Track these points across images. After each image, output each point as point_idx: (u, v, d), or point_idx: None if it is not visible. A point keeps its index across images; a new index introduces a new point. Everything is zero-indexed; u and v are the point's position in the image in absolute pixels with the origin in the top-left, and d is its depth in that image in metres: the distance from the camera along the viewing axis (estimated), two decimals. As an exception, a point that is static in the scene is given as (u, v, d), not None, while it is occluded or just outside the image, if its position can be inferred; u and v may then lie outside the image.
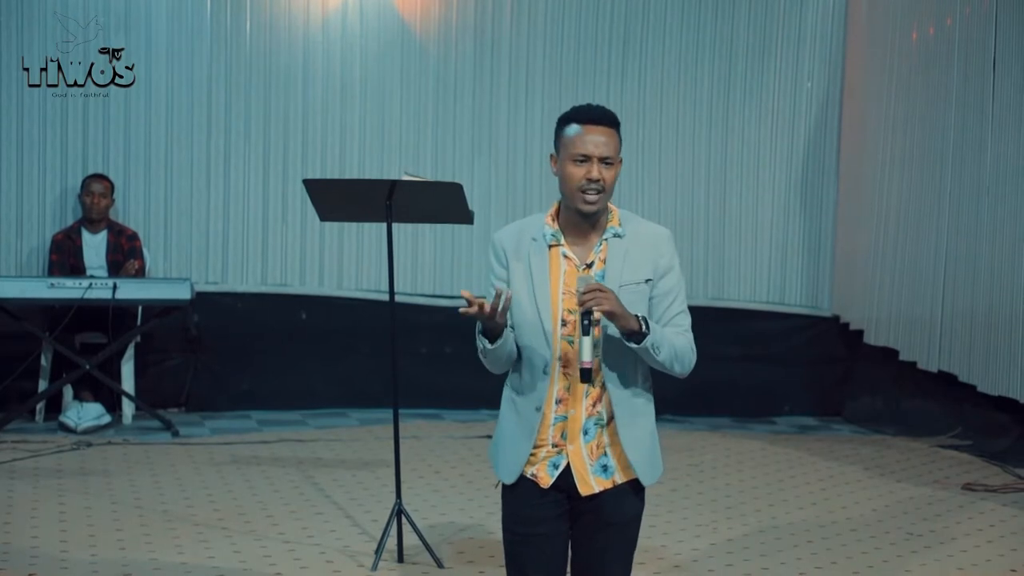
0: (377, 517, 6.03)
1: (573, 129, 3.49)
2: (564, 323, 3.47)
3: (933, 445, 7.99)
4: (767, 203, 9.08)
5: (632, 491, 3.55)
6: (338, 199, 5.83)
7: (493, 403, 9.55)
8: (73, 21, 8.36)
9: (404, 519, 5.47)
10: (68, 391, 7.98)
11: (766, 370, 9.04)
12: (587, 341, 3.39)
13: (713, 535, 5.98)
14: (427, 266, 8.78)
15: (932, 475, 7.26)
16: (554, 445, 3.51)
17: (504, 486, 3.58)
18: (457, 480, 6.80)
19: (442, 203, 5.70)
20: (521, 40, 8.80)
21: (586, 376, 3.40)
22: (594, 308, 3.35)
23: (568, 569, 3.62)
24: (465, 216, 5.74)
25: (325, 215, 5.85)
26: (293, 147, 8.64)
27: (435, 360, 8.69)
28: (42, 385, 8.02)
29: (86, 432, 7.72)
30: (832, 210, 9.11)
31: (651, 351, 3.44)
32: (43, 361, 8.01)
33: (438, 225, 8.30)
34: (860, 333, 8.84)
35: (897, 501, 6.66)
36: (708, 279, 9.07)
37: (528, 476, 3.52)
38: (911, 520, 6.30)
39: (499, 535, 3.67)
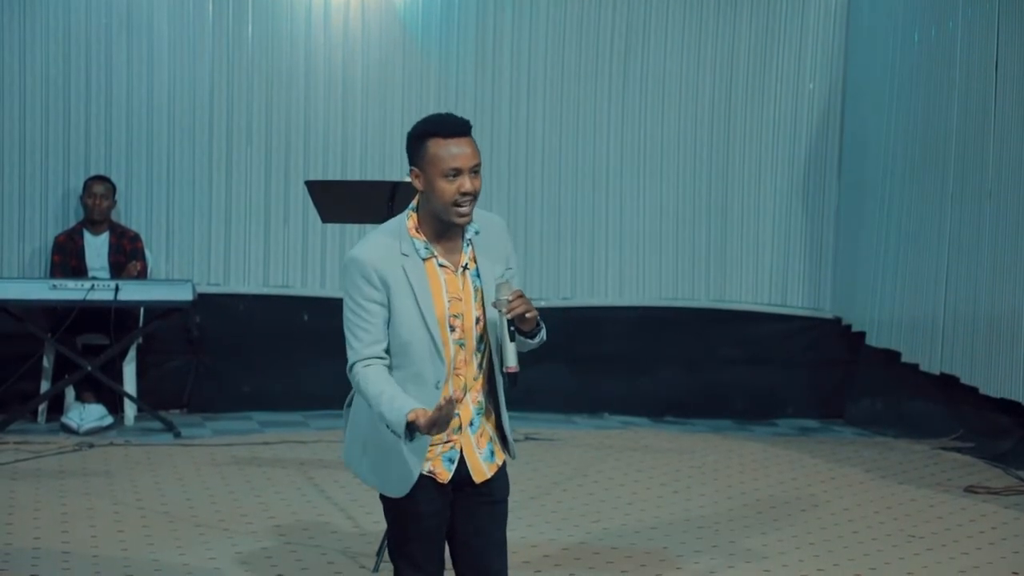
0: (378, 518, 6.01)
1: (437, 144, 3.48)
2: (452, 328, 3.53)
3: (935, 447, 7.99)
4: (768, 205, 9.08)
5: (503, 470, 3.68)
6: (340, 200, 5.83)
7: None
8: (75, 22, 8.37)
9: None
10: (70, 392, 7.98)
11: (767, 372, 9.03)
12: (513, 347, 3.47)
13: (715, 537, 5.97)
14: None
15: (934, 477, 7.26)
16: (447, 440, 3.57)
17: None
18: (459, 482, 6.80)
19: (444, 204, 5.69)
20: (522, 41, 8.81)
21: (514, 381, 3.48)
22: (527, 314, 3.43)
23: (461, 553, 3.66)
24: (467, 217, 5.73)
25: (327, 217, 5.86)
26: (295, 148, 8.65)
27: (436, 361, 8.68)
28: (44, 386, 8.02)
29: (88, 433, 7.73)
30: (834, 212, 9.11)
31: (540, 340, 3.57)
32: (45, 362, 8.01)
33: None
34: (862, 335, 8.84)
35: (899, 503, 6.66)
36: (709, 281, 9.06)
37: (424, 473, 3.55)
38: (913, 522, 6.30)
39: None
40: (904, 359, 8.37)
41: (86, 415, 7.81)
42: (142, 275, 8.11)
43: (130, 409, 8.11)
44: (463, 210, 3.50)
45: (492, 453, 3.64)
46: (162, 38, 8.47)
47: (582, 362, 8.71)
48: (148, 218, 8.52)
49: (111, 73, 8.42)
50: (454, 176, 3.48)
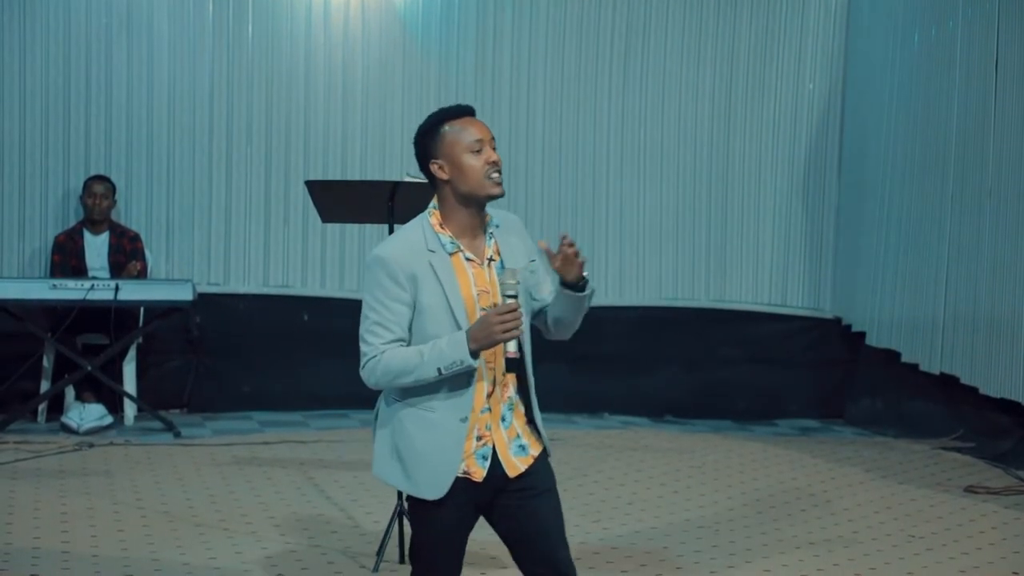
0: (379, 518, 6.03)
1: (452, 126, 3.57)
2: None
3: (935, 447, 7.98)
4: (769, 204, 9.08)
5: (545, 460, 3.64)
6: (340, 200, 5.83)
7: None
8: (75, 22, 8.37)
9: (406, 520, 5.46)
10: (70, 392, 7.98)
11: (768, 372, 9.03)
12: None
13: (715, 537, 5.97)
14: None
15: (934, 477, 7.26)
16: (479, 437, 3.54)
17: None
18: (459, 481, 6.79)
19: (444, 204, 5.69)
20: (522, 41, 8.81)
21: (512, 366, 3.48)
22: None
23: (523, 551, 3.61)
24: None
25: (327, 216, 5.86)
26: (295, 148, 8.65)
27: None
28: (44, 386, 8.02)
29: (88, 433, 7.73)
30: (834, 212, 9.11)
31: (590, 297, 3.61)
32: (45, 362, 8.01)
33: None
34: (862, 335, 8.84)
35: (899, 503, 6.66)
36: (710, 281, 9.06)
37: (459, 474, 3.52)
38: (913, 522, 6.29)
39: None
40: (904, 359, 8.37)
41: (86, 415, 7.81)
42: (142, 275, 8.11)
43: (130, 409, 8.11)
44: (497, 178, 3.53)
45: (522, 447, 3.58)
46: (162, 38, 8.47)
47: (582, 362, 8.71)
48: (148, 218, 8.52)
49: (111, 73, 8.42)
50: (479, 149, 3.53)
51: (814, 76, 9.05)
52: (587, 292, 3.60)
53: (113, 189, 8.23)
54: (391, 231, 5.63)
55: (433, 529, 3.57)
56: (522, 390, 3.61)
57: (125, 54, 8.43)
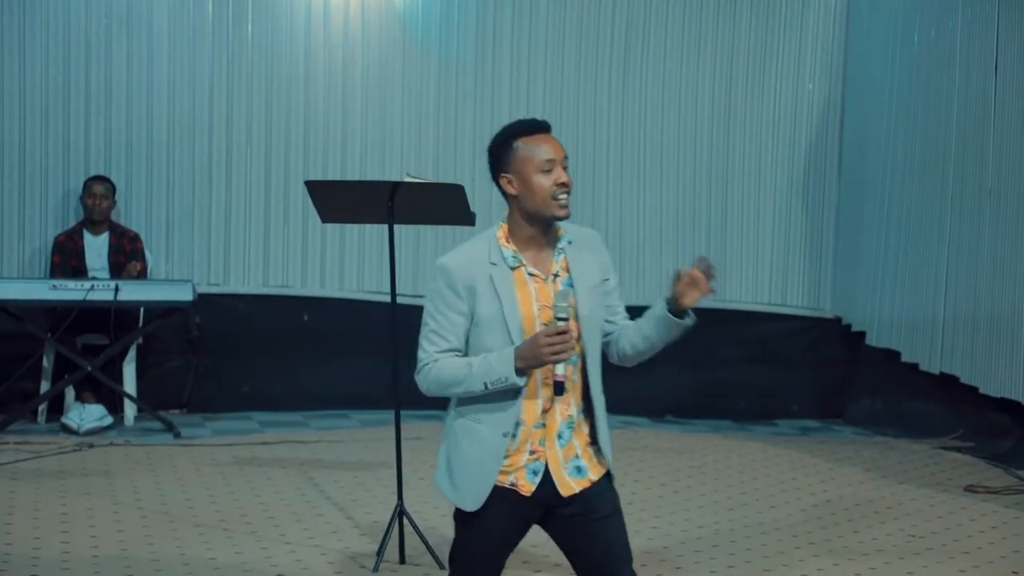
0: (379, 518, 6.03)
1: (524, 143, 3.52)
2: None
3: (935, 447, 7.98)
4: (768, 204, 9.08)
5: (609, 483, 3.59)
6: (340, 200, 5.83)
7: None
8: (75, 22, 8.37)
9: (406, 520, 5.47)
10: (70, 392, 7.98)
11: (767, 372, 9.03)
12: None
13: (715, 537, 5.97)
14: (428, 268, 8.77)
15: (934, 477, 7.26)
16: (532, 452, 3.51)
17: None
18: (459, 481, 6.79)
19: (444, 204, 5.70)
20: (522, 41, 8.81)
21: (560, 389, 3.45)
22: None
23: (587, 569, 3.57)
24: (467, 218, 5.74)
25: (327, 216, 5.86)
26: (295, 148, 8.65)
27: (436, 362, 8.69)
28: (44, 386, 8.02)
29: (88, 433, 7.73)
30: (834, 211, 9.11)
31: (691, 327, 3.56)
32: (45, 362, 8.01)
33: (440, 227, 8.31)
34: (862, 335, 8.84)
35: (899, 503, 6.66)
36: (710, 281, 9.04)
37: (507, 486, 3.50)
38: (913, 522, 6.29)
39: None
40: (904, 359, 8.37)
41: (86, 415, 7.81)
42: (142, 275, 8.11)
43: (130, 409, 8.11)
44: (563, 201, 3.50)
45: (579, 468, 3.53)
46: (162, 38, 8.47)
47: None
48: (148, 218, 8.52)
49: (111, 73, 8.42)
50: (549, 169, 3.49)
51: (814, 76, 9.05)
52: (692, 322, 3.56)
53: (113, 189, 8.24)
54: (391, 231, 5.64)
55: (473, 537, 3.56)
56: (588, 410, 3.57)
57: (125, 54, 8.43)
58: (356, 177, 8.54)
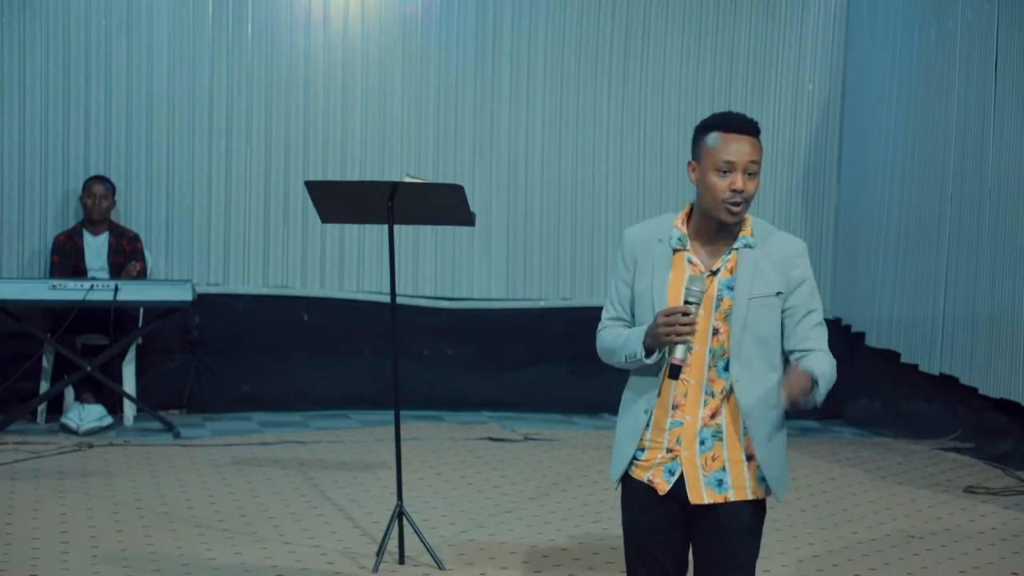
0: (378, 519, 6.03)
1: (715, 137, 3.45)
2: None
3: (934, 448, 7.98)
4: (768, 205, 9.07)
5: (751, 507, 3.49)
6: (339, 201, 5.82)
7: (494, 405, 9.50)
8: (75, 22, 8.37)
9: (405, 521, 5.47)
10: (69, 392, 7.98)
11: (767, 372, 9.01)
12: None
13: (714, 537, 5.97)
14: (428, 268, 8.78)
15: (933, 478, 7.26)
16: (668, 450, 3.47)
17: (622, 492, 3.57)
18: (458, 482, 6.79)
19: (444, 205, 5.70)
20: (522, 42, 8.80)
21: (675, 372, 3.36)
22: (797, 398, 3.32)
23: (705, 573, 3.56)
24: (467, 218, 5.74)
25: (326, 217, 5.85)
26: (294, 148, 8.65)
27: (436, 362, 8.69)
28: (43, 386, 8.02)
29: (87, 433, 7.73)
30: (833, 212, 9.11)
31: (821, 398, 3.39)
32: (44, 363, 8.01)
33: (439, 227, 8.31)
34: (861, 335, 8.84)
35: (898, 503, 6.66)
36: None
37: (644, 481, 3.49)
38: (912, 523, 6.30)
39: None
40: (903, 359, 8.37)
41: (85, 415, 7.81)
42: (142, 275, 8.10)
43: (129, 409, 8.11)
44: (734, 209, 3.41)
45: (720, 483, 3.45)
46: (162, 38, 8.47)
47: (582, 362, 8.69)
48: (148, 218, 8.52)
49: (111, 73, 8.42)
50: (726, 172, 3.42)
51: (814, 76, 9.04)
52: (814, 397, 3.39)
53: (113, 190, 8.23)
54: (391, 231, 5.64)
55: (624, 527, 3.58)
56: (756, 428, 3.45)
57: (125, 54, 8.43)
58: (356, 177, 8.53)
